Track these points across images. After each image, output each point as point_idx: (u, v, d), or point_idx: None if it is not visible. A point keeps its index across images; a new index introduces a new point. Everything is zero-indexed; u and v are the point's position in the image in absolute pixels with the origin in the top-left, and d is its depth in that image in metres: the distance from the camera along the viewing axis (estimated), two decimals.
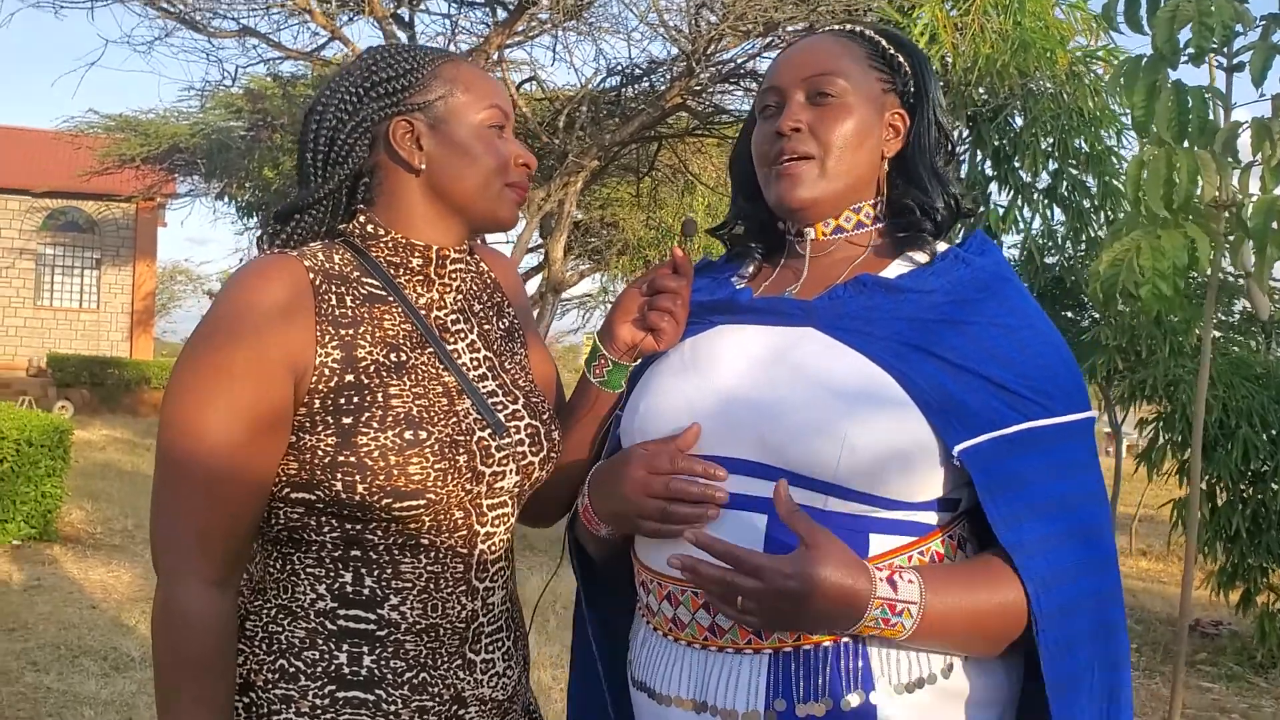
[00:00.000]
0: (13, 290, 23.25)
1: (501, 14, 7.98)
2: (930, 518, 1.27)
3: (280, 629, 1.31)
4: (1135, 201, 2.70)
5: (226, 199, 15.70)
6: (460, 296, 1.43)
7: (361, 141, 1.34)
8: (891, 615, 1.18)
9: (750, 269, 1.49)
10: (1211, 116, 2.92)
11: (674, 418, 1.32)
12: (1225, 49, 2.90)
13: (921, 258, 1.37)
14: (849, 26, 1.45)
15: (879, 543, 1.24)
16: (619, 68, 8.61)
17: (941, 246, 1.39)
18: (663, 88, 8.29)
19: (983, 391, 1.26)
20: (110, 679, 4.68)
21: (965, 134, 6.66)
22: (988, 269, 1.36)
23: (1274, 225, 2.81)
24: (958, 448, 1.23)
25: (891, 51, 1.41)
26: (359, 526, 1.28)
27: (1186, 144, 2.84)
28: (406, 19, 8.22)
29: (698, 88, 7.77)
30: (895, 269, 1.37)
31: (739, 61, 7.69)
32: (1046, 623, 1.22)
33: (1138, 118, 2.74)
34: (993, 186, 6.74)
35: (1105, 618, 1.29)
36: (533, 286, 13.44)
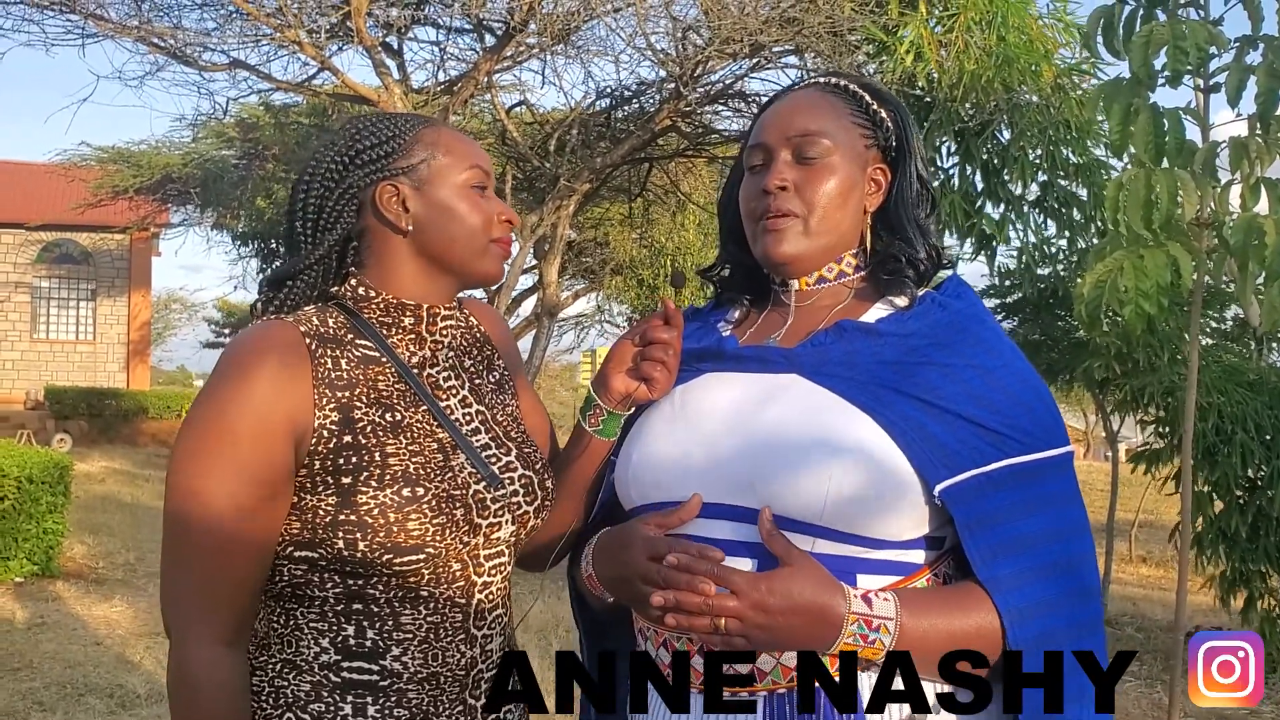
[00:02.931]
0: (9, 324, 23.26)
1: (490, 40, 8.03)
2: (916, 556, 1.31)
3: (286, 683, 1.34)
4: (1114, 222, 2.73)
5: (221, 228, 15.75)
6: (451, 353, 1.47)
7: (349, 208, 1.39)
8: (869, 631, 1.23)
9: (737, 314, 1.53)
10: (1192, 136, 2.97)
11: (665, 467, 1.36)
12: (1201, 70, 2.94)
13: (901, 302, 1.42)
14: (833, 80, 1.49)
15: (866, 582, 1.27)
16: (608, 90, 8.66)
17: (921, 291, 1.43)
18: (652, 109, 8.34)
19: (962, 431, 1.29)
20: (117, 716, 4.70)
21: (953, 149, 6.71)
22: (964, 312, 1.40)
23: (1254, 242, 2.84)
24: (939, 487, 1.27)
25: (874, 106, 1.45)
26: (360, 582, 1.32)
27: (1166, 164, 2.88)
28: (395, 47, 8.27)
29: (687, 109, 7.81)
30: (875, 313, 1.41)
31: (727, 83, 7.74)
32: (1025, 655, 1.26)
33: (1114, 140, 2.79)
34: (983, 200, 6.76)
35: (1084, 648, 1.32)
36: (528, 308, 13.51)
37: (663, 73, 7.70)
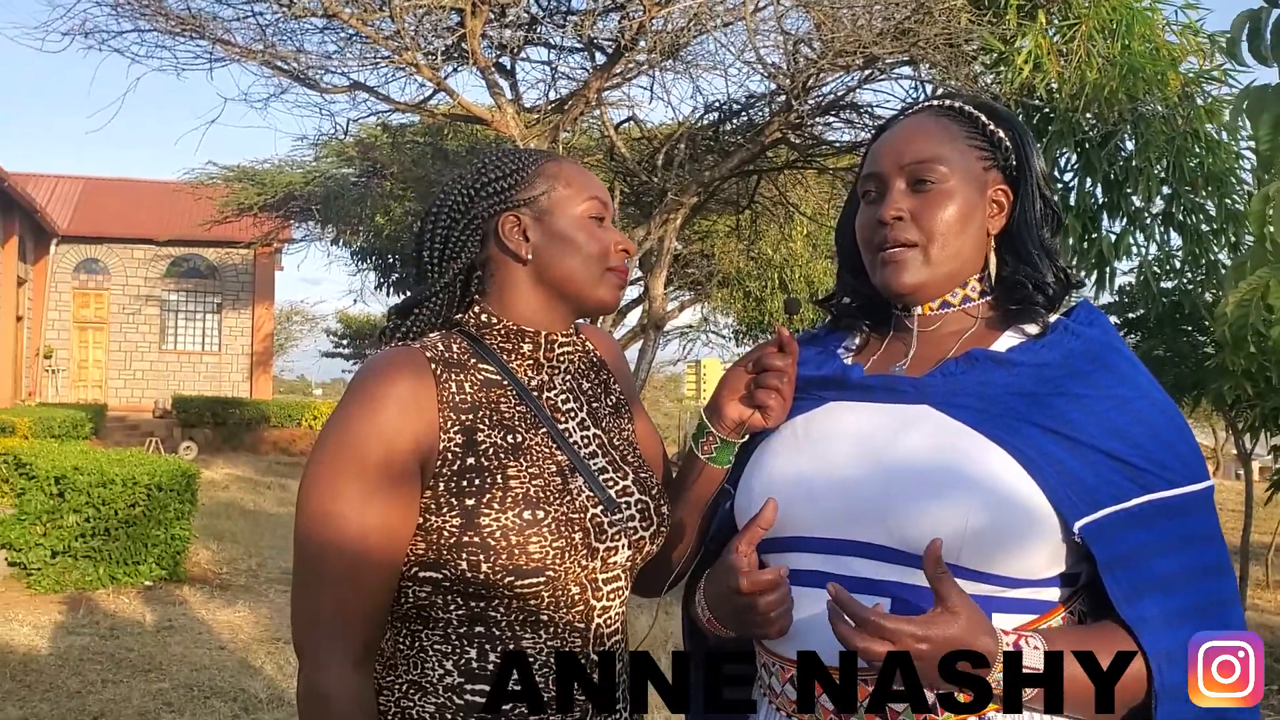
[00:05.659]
0: (139, 335, 24.34)
1: (600, 58, 8.10)
2: (1052, 594, 1.27)
3: (411, 704, 1.36)
4: (1261, 238, 2.61)
5: (341, 244, 16.23)
6: (569, 377, 1.48)
7: (473, 238, 1.42)
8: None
9: (857, 341, 1.50)
10: None
11: (789, 498, 1.33)
12: None
13: (1033, 330, 1.37)
14: (947, 103, 1.45)
15: (1000, 621, 1.23)
16: (717, 104, 8.66)
17: (1052, 318, 1.38)
18: (761, 122, 8.31)
19: (1101, 465, 1.25)
20: None
21: (1073, 161, 6.52)
22: (1098, 340, 1.35)
23: None
24: (1078, 524, 1.23)
25: (991, 127, 1.41)
26: (482, 604, 1.33)
27: None
28: (508, 68, 8.40)
29: (797, 121, 7.75)
30: (1005, 341, 1.37)
31: (839, 94, 7.67)
32: (1169, 701, 1.21)
33: (1263, 152, 2.66)
34: (1102, 214, 6.56)
35: None
36: (634, 319, 13.58)
37: (773, 85, 7.66)
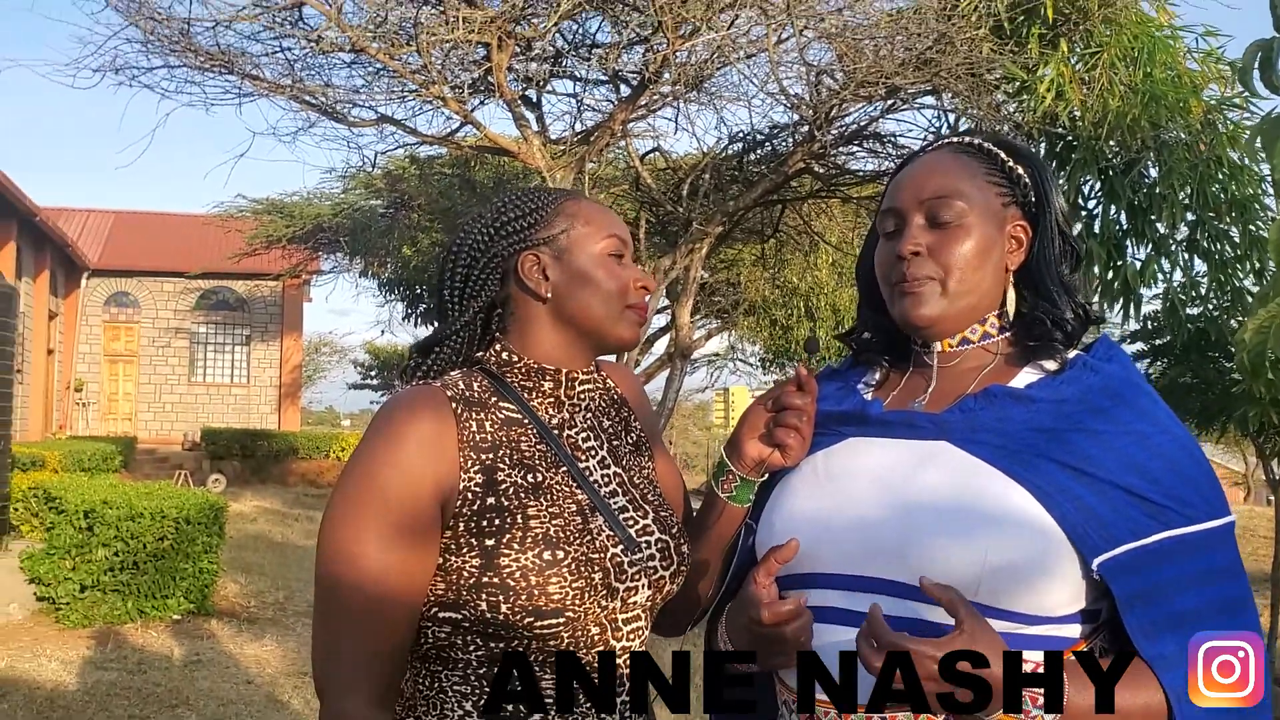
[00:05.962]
0: (169, 368, 24.57)
1: (625, 90, 8.16)
2: (1072, 631, 1.27)
3: None
4: None
5: (369, 275, 16.35)
6: (590, 415, 1.49)
7: (494, 276, 1.44)
8: (1032, 707, 1.18)
9: (877, 377, 1.51)
10: None
11: (809, 534, 1.34)
12: None
13: (1051, 366, 1.38)
14: (966, 140, 1.46)
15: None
16: (740, 135, 8.71)
17: (1071, 354, 1.39)
18: (785, 152, 8.34)
19: (1120, 502, 1.25)
20: None
21: (1097, 188, 6.51)
22: (1117, 376, 1.35)
23: None
24: (1097, 561, 1.23)
25: (1010, 164, 1.42)
26: (502, 644, 1.33)
27: None
28: (534, 100, 8.47)
29: (820, 151, 7.78)
30: (1024, 378, 1.38)
31: (862, 124, 7.70)
32: None
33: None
34: (1127, 241, 6.53)
35: None
36: (661, 347, 13.61)
37: (796, 116, 7.69)
